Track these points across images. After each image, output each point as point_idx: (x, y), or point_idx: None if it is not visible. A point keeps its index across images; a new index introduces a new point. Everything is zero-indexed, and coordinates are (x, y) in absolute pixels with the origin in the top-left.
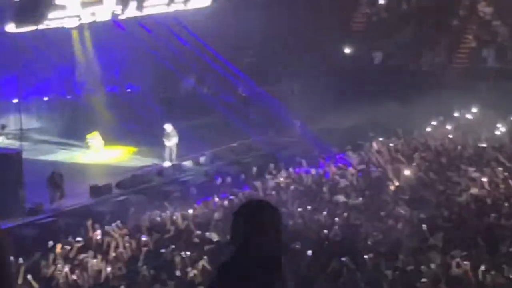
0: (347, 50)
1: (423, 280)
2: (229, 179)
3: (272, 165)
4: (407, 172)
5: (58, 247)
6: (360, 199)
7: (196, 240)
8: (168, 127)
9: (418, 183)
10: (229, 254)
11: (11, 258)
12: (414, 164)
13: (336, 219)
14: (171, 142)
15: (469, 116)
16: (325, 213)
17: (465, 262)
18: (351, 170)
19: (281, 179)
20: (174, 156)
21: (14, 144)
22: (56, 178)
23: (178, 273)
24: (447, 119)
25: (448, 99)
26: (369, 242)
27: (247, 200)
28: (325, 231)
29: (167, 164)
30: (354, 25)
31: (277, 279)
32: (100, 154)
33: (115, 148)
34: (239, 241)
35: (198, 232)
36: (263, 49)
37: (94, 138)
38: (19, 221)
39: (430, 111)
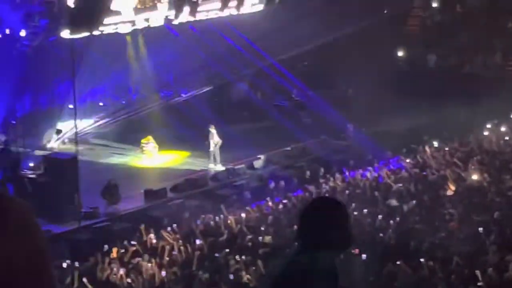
0: (401, 53)
1: (479, 284)
2: (282, 183)
3: (325, 169)
4: (463, 175)
5: (114, 251)
6: (414, 202)
7: (250, 243)
8: (213, 129)
9: (474, 186)
10: (283, 257)
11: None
12: (470, 167)
13: (391, 222)
14: (215, 144)
15: None
16: (380, 217)
17: None
18: (405, 173)
19: (337, 182)
20: (217, 158)
21: (70, 148)
22: (112, 188)
23: (231, 276)
24: (502, 121)
25: (503, 101)
26: (424, 246)
27: (318, 197)
28: (381, 234)
29: (211, 166)
30: (408, 28)
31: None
32: (155, 158)
33: (169, 152)
34: (307, 236)
35: (252, 235)
36: (317, 53)
37: (149, 143)
38: (75, 225)
39: (485, 114)
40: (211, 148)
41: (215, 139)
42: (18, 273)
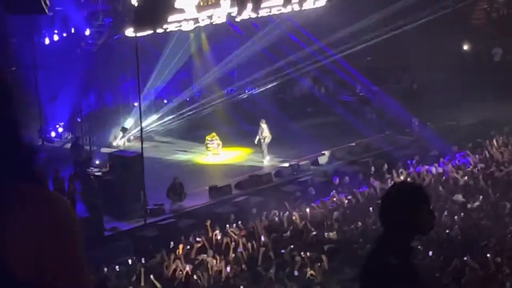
0: (466, 47)
1: None
2: (347, 179)
3: (390, 165)
4: None
5: (180, 247)
6: (481, 197)
7: (314, 240)
8: (263, 123)
9: None
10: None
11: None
12: None
13: (456, 218)
14: (265, 139)
15: None
16: (446, 213)
17: None
18: (471, 169)
19: (401, 178)
20: (265, 153)
21: (135, 146)
22: (177, 187)
23: (296, 273)
24: None
25: None
26: (491, 242)
27: (400, 181)
28: (447, 231)
29: (266, 161)
30: (473, 22)
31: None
32: (219, 155)
33: (233, 149)
34: (390, 221)
35: (316, 232)
36: (381, 47)
37: (213, 140)
38: (141, 222)
39: None
40: (263, 143)
41: (264, 134)
42: (52, 264)
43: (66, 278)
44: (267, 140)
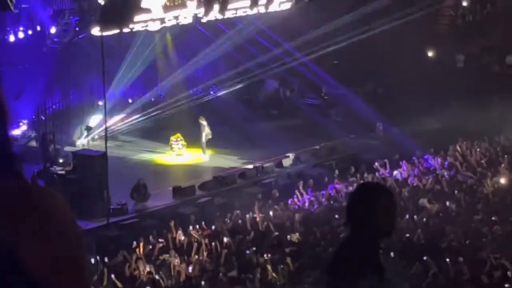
0: (431, 53)
1: (507, 285)
2: (311, 182)
3: (354, 168)
4: (495, 177)
5: (141, 247)
6: (448, 203)
7: (277, 242)
8: (203, 120)
9: (506, 187)
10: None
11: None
12: (501, 167)
13: (419, 221)
14: (206, 135)
15: None
16: (407, 216)
17: None
18: (435, 173)
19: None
20: (204, 149)
21: (99, 145)
22: (140, 188)
23: (259, 274)
24: None
25: None
26: (453, 247)
27: (364, 182)
28: (407, 235)
29: (205, 158)
30: (438, 28)
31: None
32: (183, 155)
33: (197, 150)
34: (355, 222)
35: (279, 234)
36: (347, 51)
37: (178, 140)
38: (104, 221)
39: None
40: (203, 140)
41: (206, 131)
42: (55, 266)
43: (66, 274)
44: (208, 136)
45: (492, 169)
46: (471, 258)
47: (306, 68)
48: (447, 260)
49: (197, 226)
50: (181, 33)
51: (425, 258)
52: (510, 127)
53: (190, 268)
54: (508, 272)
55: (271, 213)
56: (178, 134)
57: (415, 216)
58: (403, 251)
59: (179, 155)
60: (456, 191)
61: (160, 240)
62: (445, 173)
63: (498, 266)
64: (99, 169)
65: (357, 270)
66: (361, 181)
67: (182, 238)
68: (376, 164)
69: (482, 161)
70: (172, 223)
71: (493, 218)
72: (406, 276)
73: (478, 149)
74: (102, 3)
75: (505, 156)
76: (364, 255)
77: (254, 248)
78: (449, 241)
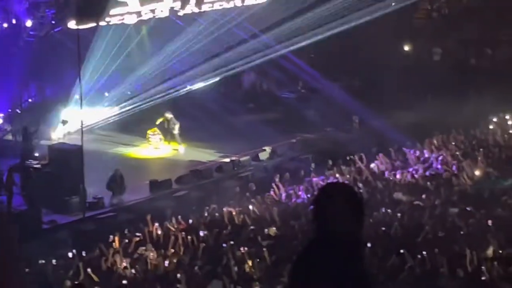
0: (407, 47)
1: (484, 278)
2: (287, 175)
3: (331, 161)
4: (469, 169)
5: (117, 241)
6: (424, 196)
7: (254, 235)
8: (169, 114)
9: (482, 180)
10: (288, 249)
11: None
12: (477, 160)
13: (395, 215)
14: (175, 129)
15: None
16: (383, 209)
17: None
18: (410, 166)
19: (343, 175)
20: (179, 141)
21: (75, 139)
22: (118, 178)
23: (235, 268)
24: (509, 115)
25: (510, 95)
26: (429, 238)
27: (330, 182)
28: (383, 228)
29: (181, 150)
30: (415, 21)
31: (357, 263)
32: (160, 149)
33: (174, 143)
34: (320, 223)
35: (256, 227)
36: (323, 44)
37: (155, 134)
38: (80, 215)
39: (491, 108)
40: (176, 132)
41: (176, 123)
42: None
43: None
44: (177, 130)
45: (468, 162)
46: (447, 251)
47: (283, 61)
48: (424, 253)
49: (174, 220)
50: (158, 25)
51: (402, 251)
52: (485, 120)
53: (167, 262)
54: (483, 267)
55: (248, 206)
56: (155, 128)
57: (389, 210)
58: (379, 244)
59: (156, 148)
60: (432, 184)
61: (136, 234)
62: (421, 166)
63: (474, 259)
64: (75, 163)
65: (329, 279)
66: (338, 175)
67: (159, 232)
68: (353, 157)
69: (457, 153)
70: (148, 217)
71: (468, 209)
72: (383, 269)
73: (453, 143)
74: None
75: (481, 149)
76: (332, 262)
77: (231, 242)
78: (425, 234)
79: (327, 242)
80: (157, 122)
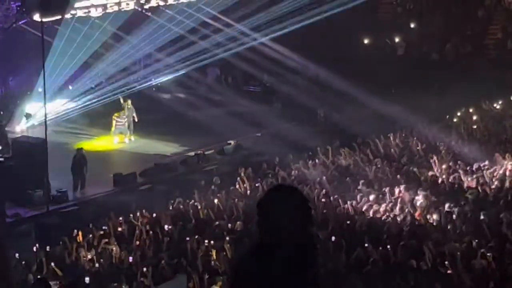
0: (369, 40)
1: (448, 271)
2: (250, 170)
3: (296, 155)
4: (434, 163)
5: (80, 235)
6: (386, 189)
7: (219, 229)
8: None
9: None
10: (251, 243)
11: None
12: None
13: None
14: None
15: (496, 106)
16: (349, 202)
17: (488, 254)
18: (374, 160)
19: (307, 168)
20: (131, 131)
21: (38, 132)
22: (80, 158)
23: (200, 261)
24: (473, 109)
25: (473, 89)
26: (392, 234)
27: (275, 185)
28: (348, 222)
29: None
30: (380, 15)
31: (306, 268)
32: (124, 143)
33: (138, 137)
34: (265, 226)
35: (221, 221)
36: (287, 37)
37: (120, 117)
38: (43, 209)
39: (455, 102)
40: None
41: (133, 110)
42: None
43: None
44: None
45: (430, 156)
46: (411, 244)
47: (248, 55)
48: (388, 247)
49: (138, 214)
50: (124, 20)
51: (366, 245)
52: (449, 114)
53: (131, 257)
54: (446, 262)
55: (213, 200)
56: (120, 113)
57: (356, 202)
58: (344, 237)
59: (121, 142)
60: (396, 177)
61: (101, 227)
62: (385, 161)
63: (438, 253)
64: (39, 156)
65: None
66: (303, 169)
67: (123, 225)
68: (317, 151)
69: (418, 148)
70: (112, 211)
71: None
72: (347, 263)
73: (415, 138)
74: None
75: (442, 143)
76: (274, 267)
77: (196, 236)
78: (389, 228)
79: (270, 247)
80: (116, 115)
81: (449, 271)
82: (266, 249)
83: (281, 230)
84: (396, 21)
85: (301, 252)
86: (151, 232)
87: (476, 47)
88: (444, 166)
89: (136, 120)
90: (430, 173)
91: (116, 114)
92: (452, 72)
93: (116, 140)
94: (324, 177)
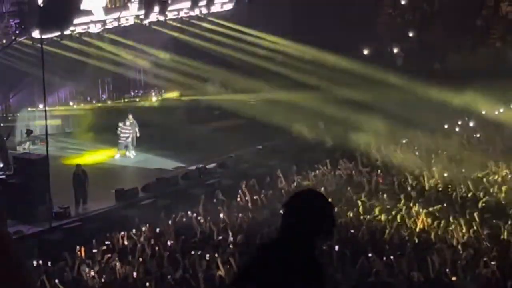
0: (367, 51)
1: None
2: (254, 182)
3: (296, 167)
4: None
5: (82, 251)
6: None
7: (221, 242)
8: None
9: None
10: (254, 255)
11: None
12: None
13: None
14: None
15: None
16: (351, 213)
17: (492, 263)
18: (375, 171)
19: (309, 179)
20: (132, 147)
21: (40, 149)
22: (80, 174)
23: (203, 275)
24: (472, 118)
25: (472, 98)
26: (395, 242)
27: (300, 189)
28: (352, 231)
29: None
30: (377, 26)
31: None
32: (126, 157)
33: (139, 152)
34: (289, 229)
35: (223, 234)
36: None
37: (125, 126)
38: (46, 225)
39: (455, 111)
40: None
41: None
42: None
43: None
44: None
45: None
46: (414, 254)
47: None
48: (391, 257)
49: (141, 228)
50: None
51: (370, 254)
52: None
53: (135, 272)
54: (447, 269)
55: (216, 214)
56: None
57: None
58: (348, 247)
59: (123, 156)
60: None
61: (103, 243)
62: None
63: (441, 262)
64: (40, 173)
65: (290, 276)
66: (303, 181)
67: (126, 241)
68: (317, 162)
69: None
70: (114, 226)
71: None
72: (350, 272)
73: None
74: (41, 5)
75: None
76: (298, 260)
77: (199, 250)
78: (391, 237)
79: (291, 240)
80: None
81: (453, 279)
82: (286, 246)
83: (304, 229)
84: (394, 31)
85: (319, 250)
86: (154, 246)
87: (475, 56)
88: (446, 174)
89: (138, 135)
90: (431, 182)
91: (121, 123)
92: (453, 81)
93: (118, 155)
94: (322, 188)
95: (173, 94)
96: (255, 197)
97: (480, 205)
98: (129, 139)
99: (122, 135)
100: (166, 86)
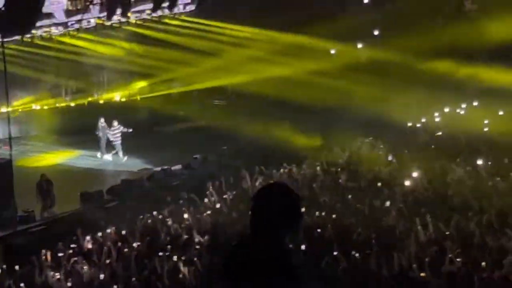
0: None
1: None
2: (219, 183)
3: (262, 167)
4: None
5: (49, 254)
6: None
7: (187, 244)
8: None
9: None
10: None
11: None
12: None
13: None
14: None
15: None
16: (317, 213)
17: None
18: (341, 170)
19: (274, 179)
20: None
21: (2, 154)
22: (44, 184)
23: (169, 276)
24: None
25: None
26: (361, 240)
27: (268, 184)
28: (319, 230)
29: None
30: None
31: (291, 267)
32: (93, 159)
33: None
34: (256, 224)
35: (189, 235)
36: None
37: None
38: (11, 230)
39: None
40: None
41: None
42: None
43: None
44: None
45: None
46: (380, 251)
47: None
48: (357, 255)
49: (107, 231)
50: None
51: (335, 253)
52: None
53: (102, 275)
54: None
55: (180, 215)
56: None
57: (323, 213)
58: (314, 246)
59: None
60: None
61: (69, 246)
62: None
63: (407, 259)
64: (4, 177)
65: (261, 272)
66: (269, 180)
67: (91, 243)
68: (283, 163)
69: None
70: (79, 230)
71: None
72: (317, 271)
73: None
74: (2, 8)
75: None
76: (269, 255)
77: (165, 251)
78: (358, 236)
79: (261, 237)
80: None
81: (421, 275)
82: (257, 241)
83: (273, 222)
84: (358, 28)
85: (289, 244)
86: (120, 249)
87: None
88: (415, 175)
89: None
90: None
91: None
92: (416, 78)
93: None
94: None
95: (137, 93)
96: (224, 197)
97: (444, 202)
98: (120, 140)
99: (114, 136)
100: (130, 84)
